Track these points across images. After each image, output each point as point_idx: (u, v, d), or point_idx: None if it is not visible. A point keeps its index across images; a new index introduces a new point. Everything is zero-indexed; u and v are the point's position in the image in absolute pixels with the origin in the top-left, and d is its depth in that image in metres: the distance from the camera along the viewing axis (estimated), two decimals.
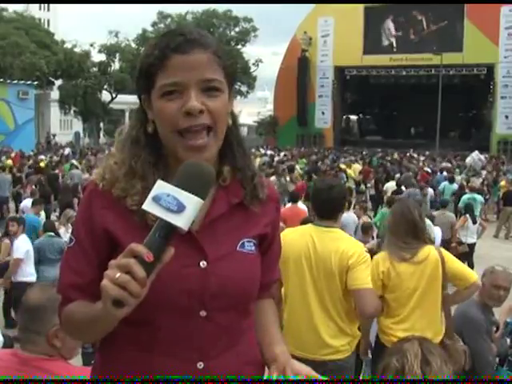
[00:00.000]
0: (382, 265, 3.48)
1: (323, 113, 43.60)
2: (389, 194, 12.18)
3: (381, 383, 1.76)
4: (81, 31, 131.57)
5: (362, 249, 3.36)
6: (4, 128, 32.10)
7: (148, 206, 1.13)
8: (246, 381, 1.37)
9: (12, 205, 14.47)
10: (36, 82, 37.61)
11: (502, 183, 16.55)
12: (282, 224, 5.44)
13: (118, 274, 1.06)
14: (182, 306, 1.29)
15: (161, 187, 1.13)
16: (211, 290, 1.30)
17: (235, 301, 1.35)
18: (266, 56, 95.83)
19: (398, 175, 16.42)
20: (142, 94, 1.35)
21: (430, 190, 14.48)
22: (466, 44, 38.28)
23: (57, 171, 16.96)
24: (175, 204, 1.11)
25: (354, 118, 48.10)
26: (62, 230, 7.65)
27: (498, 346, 3.86)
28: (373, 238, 7.73)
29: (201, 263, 1.30)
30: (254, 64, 50.36)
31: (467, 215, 9.93)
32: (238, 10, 66.34)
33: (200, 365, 1.31)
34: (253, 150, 26.80)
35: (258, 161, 19.31)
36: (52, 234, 7.01)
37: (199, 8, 51.25)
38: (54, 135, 47.97)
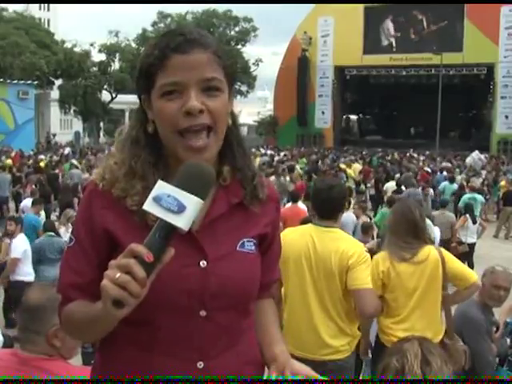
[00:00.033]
0: (381, 265, 3.48)
1: (323, 113, 43.57)
2: (389, 193, 12.17)
3: (381, 383, 1.76)
4: (81, 31, 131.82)
5: (362, 249, 3.35)
6: (4, 128, 32.08)
7: (148, 206, 1.13)
8: (245, 381, 1.36)
9: (12, 204, 14.47)
10: (36, 82, 37.61)
11: (502, 183, 16.53)
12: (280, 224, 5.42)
13: (118, 274, 1.06)
14: (181, 305, 1.29)
15: (161, 187, 1.13)
16: (211, 290, 1.30)
17: (235, 300, 1.34)
18: (265, 56, 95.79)
19: (397, 175, 16.39)
20: (142, 94, 1.35)
21: (430, 190, 14.47)
22: (466, 44, 38.26)
23: (57, 171, 16.93)
24: (176, 204, 1.11)
25: (354, 117, 48.07)
26: (62, 230, 7.65)
27: (498, 346, 3.86)
28: (373, 237, 7.71)
29: (201, 263, 1.30)
30: (253, 64, 50.42)
31: (467, 215, 9.92)
32: (237, 9, 66.37)
33: (200, 364, 1.31)
34: (253, 150, 26.75)
35: (257, 161, 19.28)
36: (52, 233, 7.00)
37: (199, 8, 51.39)
38: (54, 135, 47.94)
